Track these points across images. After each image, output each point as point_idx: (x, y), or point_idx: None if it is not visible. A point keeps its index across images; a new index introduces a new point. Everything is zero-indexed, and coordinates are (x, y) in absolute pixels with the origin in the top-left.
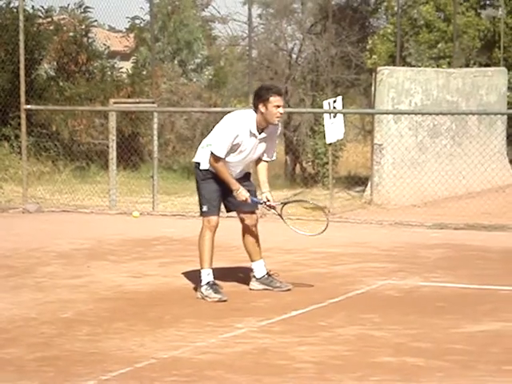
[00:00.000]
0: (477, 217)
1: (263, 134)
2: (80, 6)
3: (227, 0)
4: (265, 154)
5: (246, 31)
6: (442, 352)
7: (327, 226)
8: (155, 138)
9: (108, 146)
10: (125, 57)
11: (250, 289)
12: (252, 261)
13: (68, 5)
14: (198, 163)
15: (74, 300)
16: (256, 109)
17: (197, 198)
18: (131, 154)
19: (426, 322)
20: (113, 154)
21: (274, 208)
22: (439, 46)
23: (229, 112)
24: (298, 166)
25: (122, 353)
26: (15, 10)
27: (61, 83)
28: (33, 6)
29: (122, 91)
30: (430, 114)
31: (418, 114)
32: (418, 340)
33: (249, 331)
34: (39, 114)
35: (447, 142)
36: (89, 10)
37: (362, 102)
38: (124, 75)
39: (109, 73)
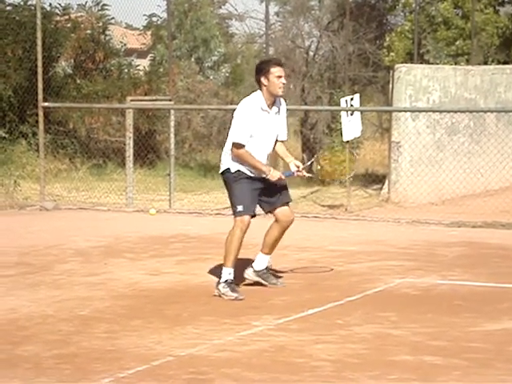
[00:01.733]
0: (495, 215)
1: (274, 109)
2: (97, 4)
3: None
4: (278, 135)
5: (263, 29)
6: (459, 350)
7: None
8: (172, 135)
9: (125, 144)
10: (142, 54)
11: (244, 277)
12: (262, 251)
13: (85, 2)
14: (228, 168)
15: (92, 297)
16: (259, 84)
17: (223, 195)
18: (148, 151)
19: (443, 321)
20: (130, 152)
21: (305, 171)
22: (457, 43)
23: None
24: (314, 163)
25: (139, 350)
26: (33, 8)
27: (78, 81)
28: (50, 4)
29: (139, 89)
30: (448, 111)
31: (436, 111)
32: (436, 338)
33: (266, 329)
34: (56, 112)
35: (465, 139)
36: (106, 7)
37: (379, 99)
38: (141, 73)
39: (126, 70)
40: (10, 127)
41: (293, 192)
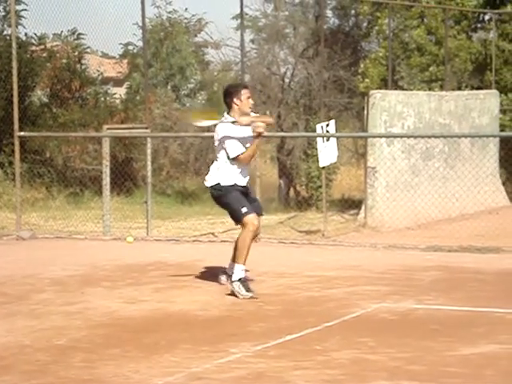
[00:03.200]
0: (471, 239)
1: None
2: (73, 33)
3: (220, 25)
4: None
5: (239, 56)
6: (437, 375)
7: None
8: (149, 163)
9: (102, 172)
10: (118, 83)
11: (220, 282)
12: (235, 262)
13: (61, 32)
14: (218, 183)
15: (69, 327)
16: (230, 106)
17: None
18: (125, 179)
19: (420, 345)
20: (106, 180)
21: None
22: (431, 69)
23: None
24: (291, 189)
25: (118, 379)
26: (8, 38)
27: (54, 110)
28: (26, 34)
29: (116, 117)
30: (423, 136)
31: (411, 136)
32: (413, 363)
33: (244, 356)
34: (33, 141)
35: (440, 164)
36: (82, 36)
37: (354, 125)
38: (117, 101)
39: (102, 99)
40: None
41: (270, 218)
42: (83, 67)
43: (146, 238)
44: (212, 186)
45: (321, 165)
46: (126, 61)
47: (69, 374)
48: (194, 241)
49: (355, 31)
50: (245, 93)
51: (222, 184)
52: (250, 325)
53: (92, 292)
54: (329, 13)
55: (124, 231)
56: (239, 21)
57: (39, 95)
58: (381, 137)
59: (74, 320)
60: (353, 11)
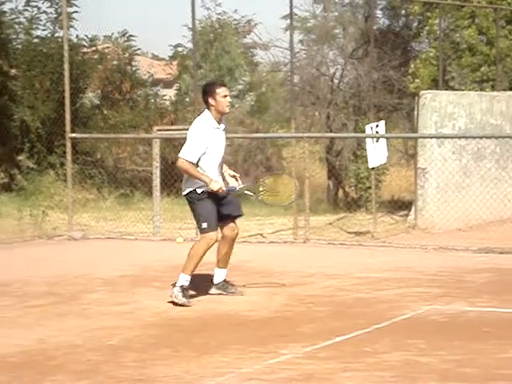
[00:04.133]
0: None
1: (222, 125)
2: (124, 35)
3: (269, 27)
4: None
5: (288, 57)
6: (488, 378)
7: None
8: None
9: (151, 173)
10: (168, 84)
11: (209, 293)
12: (218, 267)
13: (112, 34)
14: (189, 192)
15: (120, 327)
16: (207, 105)
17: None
18: (174, 180)
19: (472, 348)
20: (156, 181)
21: (244, 187)
22: (482, 69)
23: (270, 138)
24: (340, 190)
25: (169, 379)
26: (60, 40)
27: (105, 111)
28: (77, 36)
29: (166, 118)
30: (474, 137)
31: (462, 137)
32: (464, 366)
33: (293, 357)
34: (84, 142)
35: (492, 165)
36: (132, 38)
37: (404, 125)
38: (167, 102)
39: (152, 100)
40: (38, 158)
41: (319, 219)
42: (134, 69)
43: (195, 239)
44: (185, 195)
45: (370, 166)
46: (175, 62)
47: (120, 373)
48: (242, 242)
49: (405, 31)
50: (220, 91)
51: (192, 192)
52: (300, 326)
53: (143, 292)
54: (379, 13)
55: (173, 232)
56: (288, 21)
57: (90, 97)
58: (431, 137)
59: (125, 320)
60: (403, 11)
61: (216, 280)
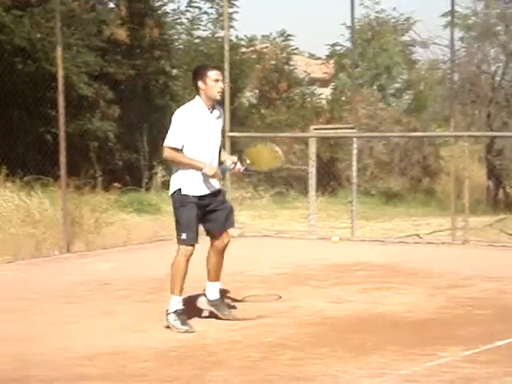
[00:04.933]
0: None
1: (216, 112)
2: (282, 35)
3: (428, 24)
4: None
5: (447, 55)
6: None
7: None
8: (354, 163)
9: (307, 172)
10: (324, 83)
11: (197, 306)
12: (209, 280)
13: (270, 33)
14: (179, 189)
15: (278, 324)
16: (198, 89)
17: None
18: (330, 179)
19: None
20: (312, 180)
21: (241, 166)
22: None
23: (428, 137)
24: (501, 191)
25: (326, 379)
26: (220, 40)
27: (262, 110)
28: (236, 36)
29: (321, 117)
30: None
31: None
32: None
33: (453, 360)
34: (241, 142)
35: None
36: (290, 38)
37: None
38: (323, 101)
39: (308, 99)
40: None
41: (478, 220)
42: (291, 68)
43: (351, 238)
44: (171, 196)
45: None
46: (332, 61)
47: (278, 371)
48: (399, 242)
49: None
50: (211, 75)
51: (176, 193)
52: (459, 328)
53: (299, 290)
54: None
55: (329, 231)
56: (448, 18)
57: (248, 96)
58: None
59: (282, 318)
60: None
61: (210, 295)
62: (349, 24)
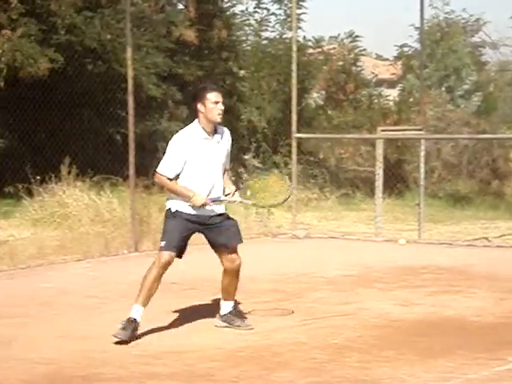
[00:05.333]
0: None
1: (217, 137)
2: (350, 36)
3: (498, 25)
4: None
5: None
6: None
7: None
8: (422, 165)
9: (373, 174)
10: (391, 84)
11: (215, 325)
12: (222, 299)
13: (338, 34)
14: (169, 208)
15: (344, 326)
16: (197, 112)
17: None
18: (397, 181)
19: None
20: (379, 182)
21: (237, 198)
22: None
23: (498, 139)
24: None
25: (392, 381)
26: (288, 41)
27: (329, 111)
28: (304, 37)
29: (389, 119)
30: None
31: None
32: None
33: None
34: (307, 142)
35: None
36: (358, 39)
37: None
38: (391, 103)
39: (376, 101)
40: (263, 157)
41: None
42: (358, 69)
43: (418, 241)
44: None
45: None
46: (400, 62)
47: (344, 373)
48: (468, 245)
49: None
50: (211, 97)
51: (170, 209)
52: None
53: (365, 293)
54: None
55: (395, 233)
56: None
57: (315, 97)
58: None
59: (348, 320)
60: None
61: (222, 311)
62: (417, 25)
